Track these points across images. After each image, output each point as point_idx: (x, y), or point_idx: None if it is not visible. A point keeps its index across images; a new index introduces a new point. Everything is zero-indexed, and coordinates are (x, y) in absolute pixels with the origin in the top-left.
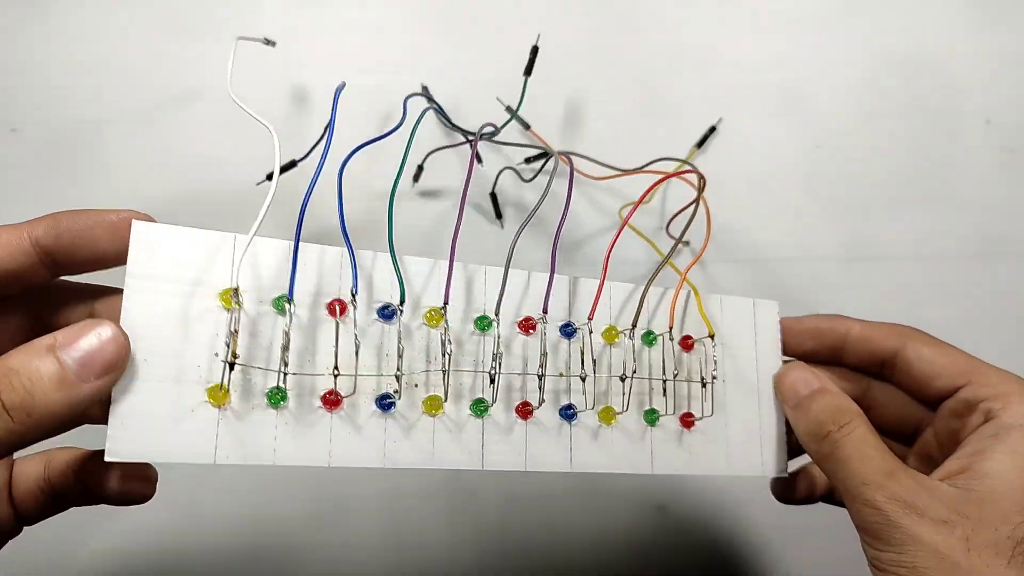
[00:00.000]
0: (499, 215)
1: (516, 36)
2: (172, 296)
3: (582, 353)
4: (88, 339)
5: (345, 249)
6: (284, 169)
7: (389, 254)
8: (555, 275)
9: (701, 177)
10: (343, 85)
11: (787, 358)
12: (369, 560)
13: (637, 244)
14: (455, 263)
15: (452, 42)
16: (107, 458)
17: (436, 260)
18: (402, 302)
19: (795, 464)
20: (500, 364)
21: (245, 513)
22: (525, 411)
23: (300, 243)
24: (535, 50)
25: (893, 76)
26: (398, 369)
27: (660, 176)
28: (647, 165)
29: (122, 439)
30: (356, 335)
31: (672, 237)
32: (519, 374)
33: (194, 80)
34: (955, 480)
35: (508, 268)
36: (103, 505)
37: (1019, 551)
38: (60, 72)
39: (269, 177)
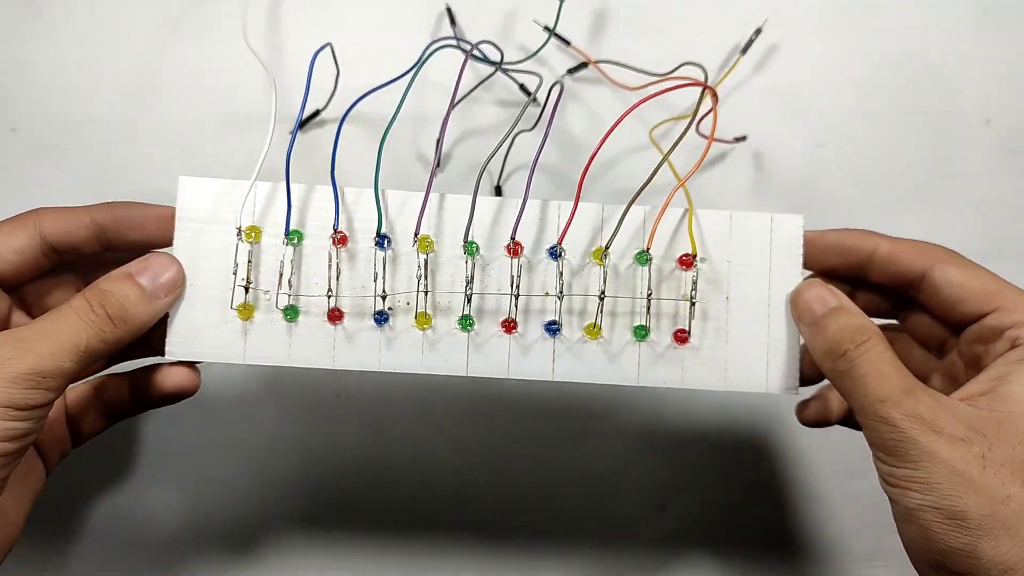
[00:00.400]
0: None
1: None
2: (209, 234)
3: (560, 274)
4: (155, 266)
5: (342, 189)
6: (306, 121)
7: (373, 190)
8: (578, 204)
9: (712, 93)
10: (327, 45)
11: (807, 273)
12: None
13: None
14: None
15: None
16: (167, 356)
17: (443, 194)
18: (379, 233)
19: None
20: (471, 285)
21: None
22: (508, 326)
23: (314, 185)
24: None
25: (894, 76)
26: (383, 290)
27: (679, 83)
28: (674, 71)
29: (177, 343)
30: (337, 263)
31: (702, 136)
32: (493, 294)
33: (194, 79)
34: (976, 401)
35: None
36: None
37: None
38: (59, 72)
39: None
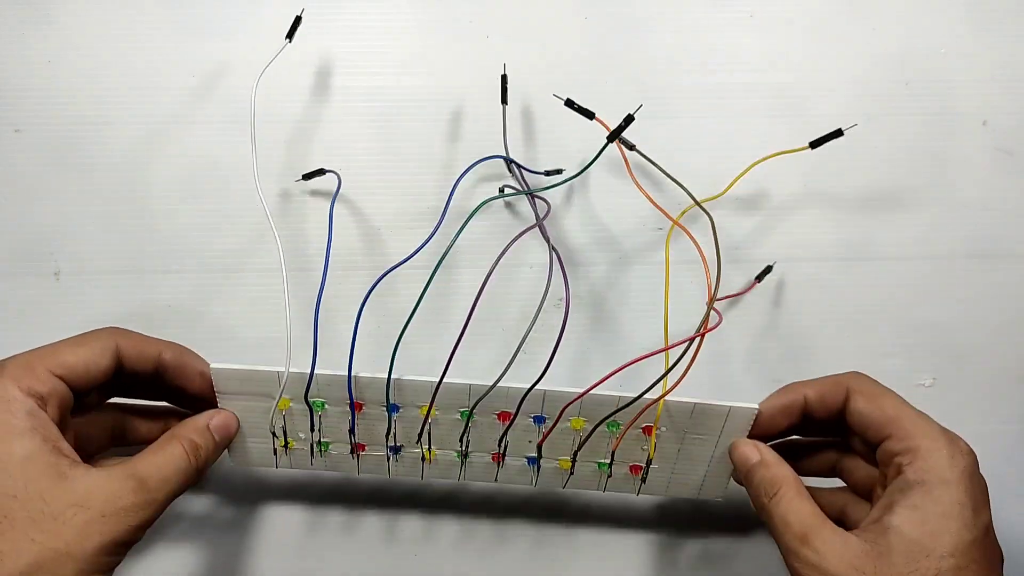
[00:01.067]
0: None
1: (521, 38)
2: (248, 402)
3: (540, 445)
4: (225, 422)
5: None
6: (311, 176)
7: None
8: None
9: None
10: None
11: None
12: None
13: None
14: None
15: (457, 46)
16: (231, 463)
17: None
18: (393, 408)
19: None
20: (468, 440)
21: None
22: (497, 458)
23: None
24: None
25: (891, 77)
26: (393, 441)
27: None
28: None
29: (237, 455)
30: (356, 424)
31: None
32: (481, 451)
33: (196, 80)
34: (866, 532)
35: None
36: None
37: None
38: (62, 73)
39: (306, 177)
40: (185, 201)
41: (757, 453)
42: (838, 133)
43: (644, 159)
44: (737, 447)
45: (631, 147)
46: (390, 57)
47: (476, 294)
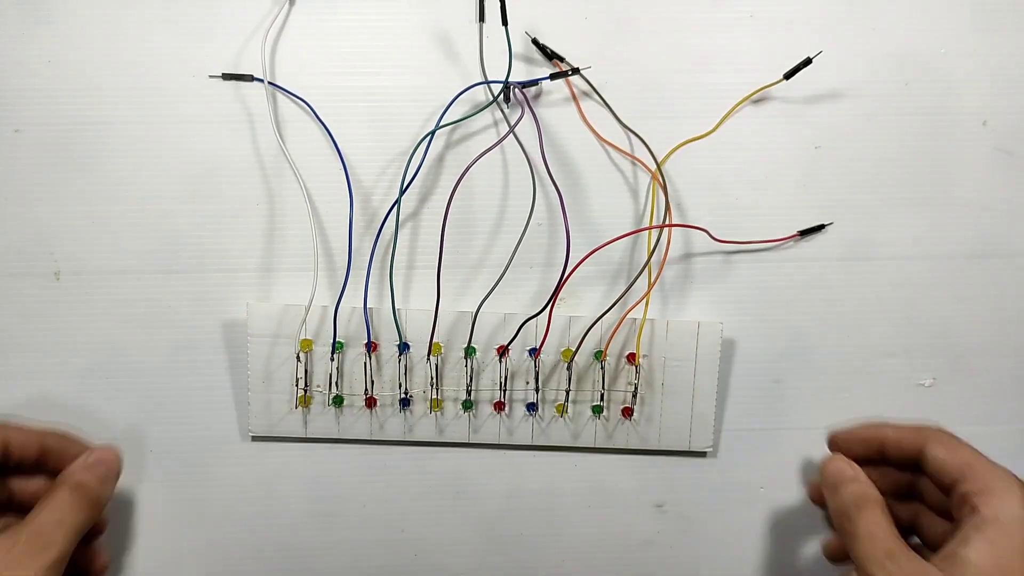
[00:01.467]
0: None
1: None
2: (276, 346)
3: (537, 371)
4: (105, 459)
5: (372, 309)
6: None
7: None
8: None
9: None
10: None
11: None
12: (371, 555)
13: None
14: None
15: (458, 47)
16: (250, 432)
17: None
18: (403, 346)
19: None
20: (472, 381)
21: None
22: (498, 407)
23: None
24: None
25: (891, 77)
26: (404, 390)
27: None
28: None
29: (257, 423)
30: (371, 368)
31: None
32: (489, 389)
33: (193, 80)
34: (943, 562)
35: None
36: None
37: None
38: (62, 74)
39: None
40: (184, 201)
41: (852, 470)
42: (807, 62)
43: (607, 107)
44: (833, 461)
45: (576, 71)
46: (389, 57)
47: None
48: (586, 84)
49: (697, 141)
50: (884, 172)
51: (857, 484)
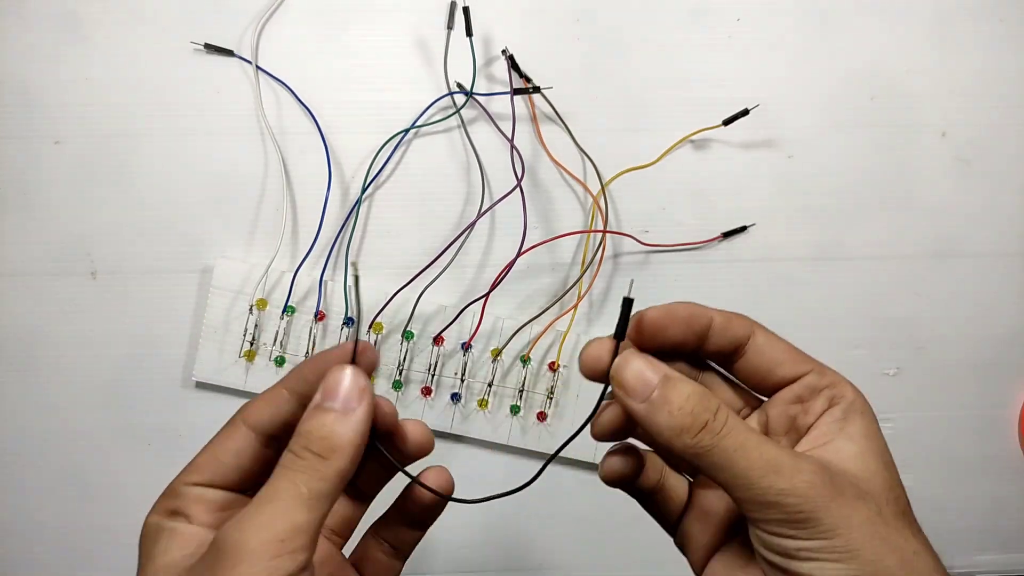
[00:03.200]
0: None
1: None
2: (235, 302)
3: (464, 365)
4: (333, 384)
5: (326, 283)
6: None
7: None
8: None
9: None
10: None
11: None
12: None
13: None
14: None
15: (455, 64)
16: (194, 377)
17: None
18: (348, 321)
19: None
20: (404, 362)
21: None
22: (426, 392)
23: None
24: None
25: (858, 92)
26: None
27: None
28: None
29: (202, 370)
30: (314, 332)
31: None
32: (420, 372)
33: (220, 95)
34: (827, 453)
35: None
36: None
37: (908, 519)
38: (99, 89)
39: None
40: (210, 207)
41: (659, 367)
42: (744, 112)
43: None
44: (632, 360)
45: (536, 89)
46: (393, 74)
47: None
48: (560, 101)
49: (643, 169)
50: (851, 179)
51: (687, 383)
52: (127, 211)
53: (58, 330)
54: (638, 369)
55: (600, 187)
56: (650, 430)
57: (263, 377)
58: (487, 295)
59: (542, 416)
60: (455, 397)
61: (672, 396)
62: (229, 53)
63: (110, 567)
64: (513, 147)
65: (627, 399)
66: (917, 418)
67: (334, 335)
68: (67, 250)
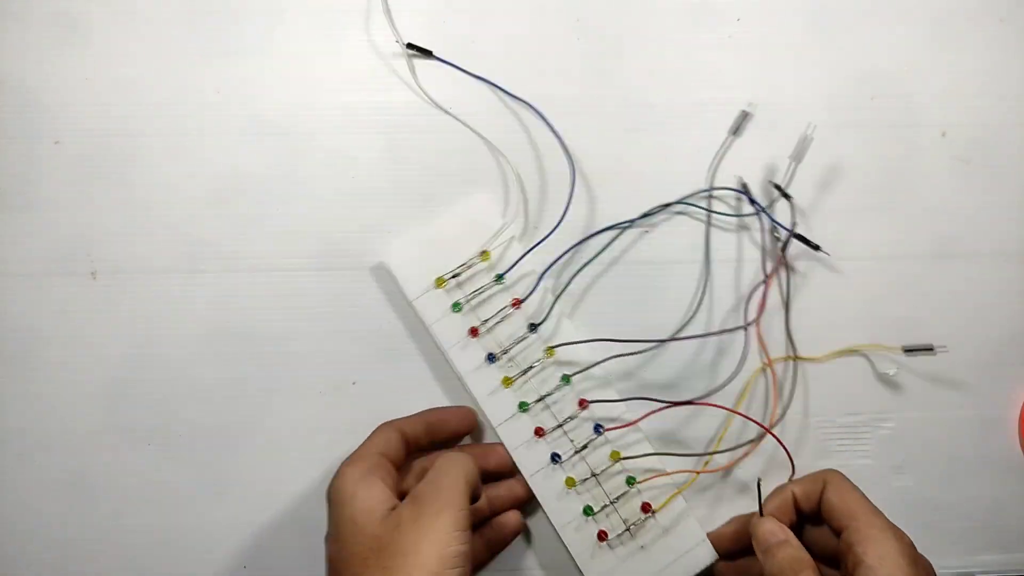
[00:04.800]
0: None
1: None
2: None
3: (586, 443)
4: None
5: None
6: None
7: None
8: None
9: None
10: None
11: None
12: None
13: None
14: None
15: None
16: (383, 260)
17: None
18: (532, 326)
19: None
20: (543, 400)
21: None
22: (539, 432)
23: None
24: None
25: (858, 92)
26: (503, 348)
27: None
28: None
29: (398, 258)
30: (503, 313)
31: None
32: (549, 414)
33: (219, 96)
34: None
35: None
36: None
37: None
38: (99, 90)
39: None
40: (209, 207)
41: (783, 532)
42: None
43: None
44: (764, 523)
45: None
46: (393, 76)
47: None
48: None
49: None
50: (851, 179)
51: (790, 547)
52: (127, 211)
53: (58, 330)
54: (766, 529)
55: None
56: (764, 570)
57: (432, 308)
58: (651, 413)
59: (603, 535)
60: (555, 458)
61: (777, 552)
62: (428, 54)
63: (110, 567)
64: (766, 281)
65: (755, 545)
66: (917, 418)
67: (513, 326)
68: (67, 250)
